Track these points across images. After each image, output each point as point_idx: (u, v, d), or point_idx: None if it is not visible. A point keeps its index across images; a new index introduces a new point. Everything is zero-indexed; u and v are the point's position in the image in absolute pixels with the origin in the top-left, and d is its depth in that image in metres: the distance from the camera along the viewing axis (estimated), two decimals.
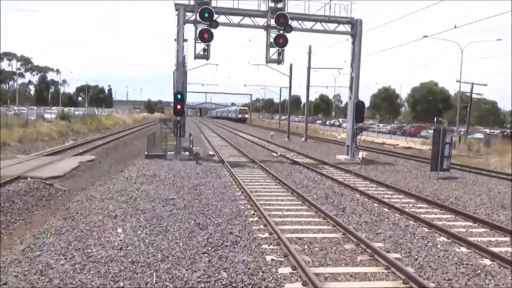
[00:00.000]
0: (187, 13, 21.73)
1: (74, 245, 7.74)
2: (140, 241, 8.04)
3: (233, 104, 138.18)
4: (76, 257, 7.13)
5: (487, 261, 7.55)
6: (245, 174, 16.95)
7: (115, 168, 19.56)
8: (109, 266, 6.79)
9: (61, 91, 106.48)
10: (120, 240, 8.03)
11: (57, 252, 7.33)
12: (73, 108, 65.26)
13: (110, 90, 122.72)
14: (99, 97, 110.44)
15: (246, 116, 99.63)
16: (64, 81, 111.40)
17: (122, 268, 6.71)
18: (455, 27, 19.60)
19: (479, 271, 7.06)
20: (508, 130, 45.84)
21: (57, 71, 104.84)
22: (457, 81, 40.86)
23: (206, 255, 7.37)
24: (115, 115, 69.29)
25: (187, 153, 21.93)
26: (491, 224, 9.98)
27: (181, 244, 7.93)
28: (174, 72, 22.05)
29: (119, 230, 8.71)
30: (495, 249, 8.10)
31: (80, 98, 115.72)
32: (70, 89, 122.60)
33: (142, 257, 7.18)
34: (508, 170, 21.71)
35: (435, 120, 43.45)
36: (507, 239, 9.05)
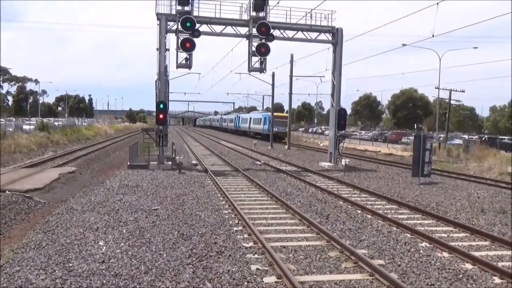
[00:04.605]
0: (169, 23, 21.74)
1: (55, 259, 7.56)
2: (122, 253, 7.91)
3: (216, 113, 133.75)
4: (56, 271, 6.97)
5: (469, 265, 7.67)
6: (229, 183, 16.89)
7: (97, 179, 19.27)
8: (91, 280, 6.65)
9: (40, 101, 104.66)
10: (102, 253, 7.89)
11: (37, 266, 7.15)
12: (52, 118, 64.13)
13: (90, 99, 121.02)
14: (79, 107, 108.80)
15: (286, 130, 45.99)
16: (44, 91, 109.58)
17: (104, 281, 6.58)
18: (433, 36, 20.04)
19: (461, 276, 7.17)
20: (486, 136, 46.92)
21: (36, 81, 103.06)
22: (435, 88, 41.75)
23: (190, 266, 7.29)
24: (96, 125, 68.29)
25: (170, 162, 21.76)
26: (472, 229, 10.17)
27: (164, 255, 7.83)
28: (156, 81, 21.95)
29: (101, 242, 8.55)
30: (476, 253, 8.24)
31: (60, 108, 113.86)
32: (49, 99, 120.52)
33: (125, 270, 7.06)
34: (486, 175, 22.21)
35: (415, 126, 44.21)
36: (487, 243, 9.22)
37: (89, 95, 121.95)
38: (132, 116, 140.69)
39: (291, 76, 38.89)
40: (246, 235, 9.26)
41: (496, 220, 11.44)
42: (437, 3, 17.68)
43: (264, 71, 23.42)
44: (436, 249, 8.61)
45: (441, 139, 41.59)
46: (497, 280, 7.02)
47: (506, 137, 44.80)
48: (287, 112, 44.94)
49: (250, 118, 62.42)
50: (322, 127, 76.94)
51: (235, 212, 11.39)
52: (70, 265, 7.28)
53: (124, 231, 9.42)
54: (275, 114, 52.73)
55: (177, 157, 21.98)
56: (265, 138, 50.52)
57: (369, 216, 11.49)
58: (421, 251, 8.46)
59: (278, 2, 28.53)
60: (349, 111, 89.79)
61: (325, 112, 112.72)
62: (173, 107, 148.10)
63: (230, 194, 13.82)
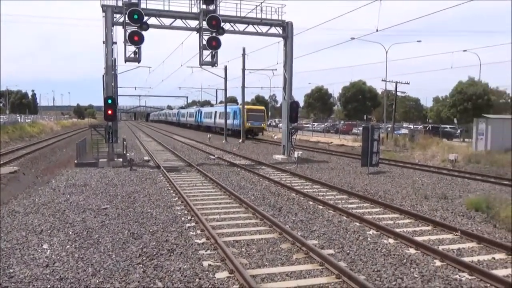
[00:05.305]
0: (115, 15, 20.96)
1: None
2: (68, 256, 7.59)
3: (170, 107, 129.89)
4: None
5: (412, 250, 8.05)
6: (182, 179, 16.67)
7: (42, 179, 18.34)
8: (33, 285, 6.35)
9: None
10: (46, 257, 7.54)
11: None
12: None
13: (34, 95, 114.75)
14: (22, 103, 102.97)
15: (263, 125, 48.21)
16: None
17: (48, 286, 6.31)
18: (377, 30, 20.73)
19: (404, 260, 7.51)
20: (430, 125, 49.35)
21: None
22: (382, 80, 43.33)
23: (141, 265, 7.13)
24: (41, 122, 65.02)
25: (121, 159, 21.14)
26: (416, 215, 10.67)
27: (113, 256, 7.60)
28: (103, 76, 21.16)
29: (45, 246, 8.17)
30: (419, 239, 8.67)
31: (0, 105, 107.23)
32: None
33: (71, 273, 6.79)
34: (430, 163, 23.39)
35: (365, 117, 45.67)
36: (429, 228, 9.71)
37: (32, 91, 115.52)
38: (80, 112, 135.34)
39: (243, 70, 38.92)
40: (198, 231, 9.18)
41: (438, 206, 12.07)
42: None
43: (216, 64, 23.18)
44: (383, 236, 8.96)
45: (389, 129, 43.28)
46: (438, 263, 7.41)
47: (448, 126, 47.35)
48: (241, 105, 44.96)
49: (215, 112, 54.08)
50: (276, 120, 77.56)
51: (188, 208, 11.26)
52: (11, 271, 6.90)
53: (71, 233, 9.05)
54: (250, 107, 48.94)
55: (128, 154, 21.40)
56: (236, 134, 44.55)
57: (321, 207, 11.76)
58: (368, 239, 8.77)
59: None
60: (302, 104, 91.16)
61: (279, 105, 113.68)
62: (124, 102, 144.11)
63: (183, 190, 13.65)
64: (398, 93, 44.43)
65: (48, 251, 7.87)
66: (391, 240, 8.66)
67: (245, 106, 47.22)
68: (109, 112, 20.55)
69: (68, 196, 13.10)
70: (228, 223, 9.98)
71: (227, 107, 47.69)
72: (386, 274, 6.84)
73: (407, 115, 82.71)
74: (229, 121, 47.47)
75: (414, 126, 53.42)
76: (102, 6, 20.63)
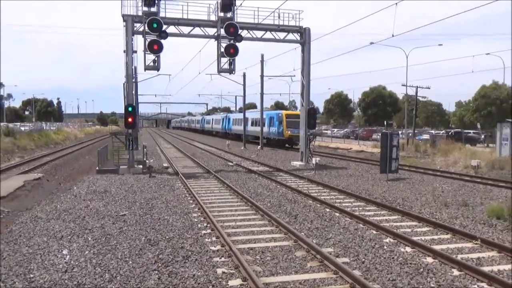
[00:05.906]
0: (135, 24, 21.42)
1: (15, 270, 7.36)
2: (87, 262, 7.76)
3: (190, 114, 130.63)
4: (16, 283, 6.79)
5: (430, 259, 7.91)
6: (200, 186, 16.82)
7: (64, 186, 18.80)
8: None
9: (6, 105, 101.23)
10: (65, 262, 7.72)
11: None
12: (19, 123, 62.21)
13: (59, 103, 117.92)
14: (47, 110, 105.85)
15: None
16: (9, 95, 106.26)
17: None
18: (393, 35, 20.24)
19: (421, 270, 7.38)
20: (452, 130, 48.36)
21: (1, 84, 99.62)
22: (402, 85, 42.71)
23: (156, 272, 7.23)
24: (65, 129, 66.70)
25: (141, 166, 21.47)
26: (435, 223, 10.48)
27: (130, 262, 7.74)
28: (124, 84, 21.61)
29: (65, 251, 8.37)
30: (437, 247, 8.51)
31: (27, 113, 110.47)
32: (15, 103, 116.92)
33: (89, 279, 6.94)
34: (452, 169, 22.92)
35: (385, 123, 45.05)
36: (448, 236, 9.53)
37: (58, 99, 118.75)
38: (103, 119, 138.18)
39: (261, 76, 39.05)
40: (214, 238, 9.25)
41: (458, 213, 11.81)
42: (396, 3, 18.01)
43: (234, 72, 23.40)
44: (400, 244, 8.83)
45: (410, 134, 42.60)
46: (456, 272, 7.26)
47: (471, 131, 46.30)
48: (282, 111, 43.98)
49: (247, 118, 46.31)
50: None
51: (204, 215, 11.35)
52: (31, 276, 7.10)
53: (90, 239, 9.25)
54: (289, 113, 44.02)
55: (147, 161, 21.72)
56: (275, 144, 40.83)
57: (337, 214, 11.68)
58: (385, 247, 8.66)
59: (241, 4, 28.38)
60: (321, 110, 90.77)
61: (298, 110, 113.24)
62: (145, 109, 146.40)
63: (200, 197, 13.76)
64: (419, 98, 43.77)
65: (68, 256, 8.07)
66: (408, 249, 8.53)
67: (284, 112, 43.10)
68: (130, 119, 20.94)
69: (89, 202, 13.39)
70: (243, 230, 10.01)
71: (264, 113, 41.96)
72: (402, 283, 6.75)
73: (429, 120, 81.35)
74: (265, 129, 42.51)
75: (436, 132, 52.38)
76: (123, 16, 21.11)
